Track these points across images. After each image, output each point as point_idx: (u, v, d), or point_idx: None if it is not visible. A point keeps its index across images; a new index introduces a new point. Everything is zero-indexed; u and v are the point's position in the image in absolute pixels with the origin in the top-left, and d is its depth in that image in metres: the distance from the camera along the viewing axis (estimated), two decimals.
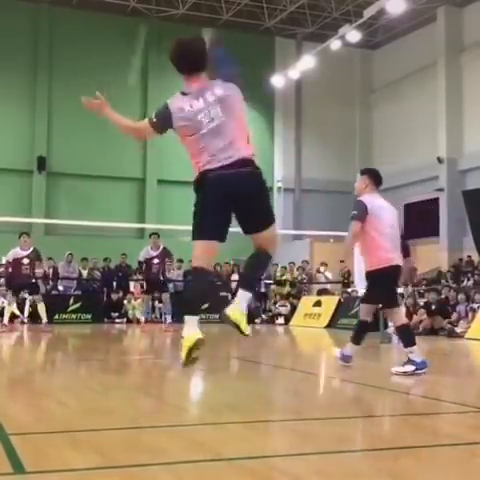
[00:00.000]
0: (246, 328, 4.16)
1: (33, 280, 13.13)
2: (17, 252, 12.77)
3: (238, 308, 4.15)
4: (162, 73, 24.45)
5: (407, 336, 6.19)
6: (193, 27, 24.22)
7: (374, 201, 6.10)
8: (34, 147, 22.93)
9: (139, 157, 24.17)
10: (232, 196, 4.11)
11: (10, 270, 12.91)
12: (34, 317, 16.48)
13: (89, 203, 22.53)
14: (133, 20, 23.90)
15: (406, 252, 6.35)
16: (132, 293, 17.93)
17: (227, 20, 24.19)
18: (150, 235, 14.49)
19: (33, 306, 13.75)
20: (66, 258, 18.11)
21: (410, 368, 5.97)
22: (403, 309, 6.28)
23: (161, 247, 13.96)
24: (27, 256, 12.73)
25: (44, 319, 12.99)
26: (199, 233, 4.19)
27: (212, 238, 4.17)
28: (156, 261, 13.82)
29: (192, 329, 4.09)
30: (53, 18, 23.39)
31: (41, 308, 13.09)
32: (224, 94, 4.27)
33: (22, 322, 16.32)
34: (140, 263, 14.30)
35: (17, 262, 12.69)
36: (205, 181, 4.18)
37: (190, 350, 4.07)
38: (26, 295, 14.21)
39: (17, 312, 16.45)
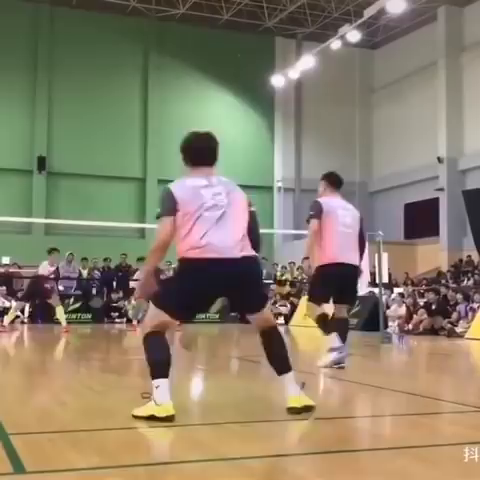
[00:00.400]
0: (309, 400, 3.97)
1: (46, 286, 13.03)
2: (46, 267, 12.77)
3: (301, 394, 3.97)
4: (162, 73, 24.48)
5: (324, 326, 6.39)
6: (193, 27, 24.24)
7: (330, 201, 6.32)
8: (34, 147, 22.94)
9: (139, 157, 24.18)
10: None
11: (31, 281, 13.05)
12: (33, 317, 16.51)
13: (89, 203, 22.52)
14: (133, 20, 23.90)
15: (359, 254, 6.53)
16: (132, 293, 17.93)
17: (227, 20, 24.19)
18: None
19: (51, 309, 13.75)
20: (66, 258, 18.08)
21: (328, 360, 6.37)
22: (327, 307, 6.41)
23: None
24: (52, 272, 12.79)
25: (63, 323, 12.95)
26: None
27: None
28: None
29: (166, 397, 3.83)
30: (53, 18, 23.39)
31: (59, 312, 13.03)
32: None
33: (22, 322, 16.32)
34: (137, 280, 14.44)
35: (43, 277, 12.71)
36: None
37: (152, 417, 3.72)
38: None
39: (18, 312, 16.45)
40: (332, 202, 6.35)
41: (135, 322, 14.59)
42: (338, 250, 6.20)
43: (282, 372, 4.09)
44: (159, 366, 4.00)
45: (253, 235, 4.13)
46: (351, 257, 6.30)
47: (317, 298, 6.44)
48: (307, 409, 3.88)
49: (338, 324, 6.45)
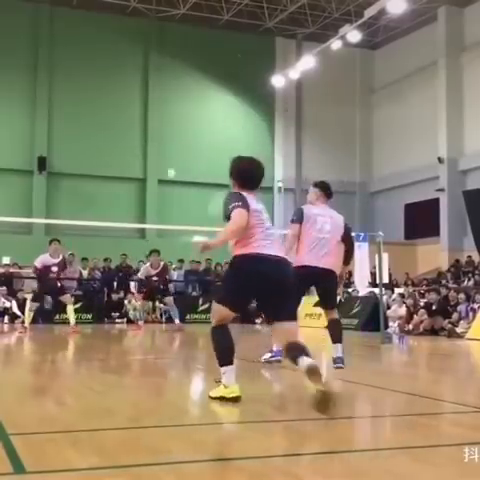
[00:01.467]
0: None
1: (59, 284, 12.71)
2: (46, 259, 12.23)
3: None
4: (163, 73, 24.47)
5: None
6: (194, 27, 24.24)
7: (312, 209, 6.63)
8: (34, 147, 22.93)
9: (140, 157, 24.18)
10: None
11: (36, 276, 12.51)
12: (35, 318, 16.51)
13: (89, 203, 22.52)
14: (134, 20, 23.90)
15: (345, 259, 6.81)
16: (132, 293, 17.93)
17: (227, 20, 24.19)
18: (150, 252, 14.12)
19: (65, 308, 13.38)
20: (67, 258, 18.09)
21: (267, 355, 6.93)
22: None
23: (161, 265, 13.83)
24: (57, 264, 12.24)
25: (72, 321, 12.80)
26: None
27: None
28: (155, 278, 13.77)
29: (232, 380, 4.56)
30: (53, 18, 23.38)
31: (70, 310, 12.79)
32: None
33: (22, 322, 16.31)
34: (141, 280, 14.38)
35: (47, 269, 12.17)
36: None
37: (223, 398, 4.45)
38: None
39: (18, 313, 16.46)
40: (314, 210, 6.65)
41: (141, 323, 14.53)
42: (308, 255, 6.43)
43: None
44: (225, 354, 4.65)
45: None
46: (327, 261, 6.49)
47: None
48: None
49: (328, 326, 6.67)
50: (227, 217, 4.52)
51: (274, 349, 6.86)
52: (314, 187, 6.85)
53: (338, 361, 6.50)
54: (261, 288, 4.45)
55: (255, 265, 4.44)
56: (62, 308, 13.65)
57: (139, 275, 14.55)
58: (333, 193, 6.90)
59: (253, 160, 4.86)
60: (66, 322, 14.17)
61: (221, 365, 4.57)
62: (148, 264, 13.96)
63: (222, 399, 4.39)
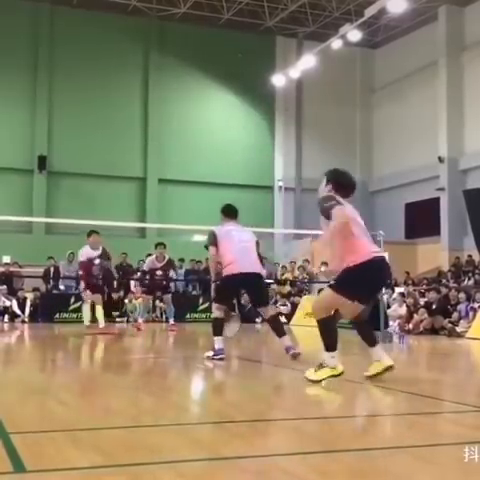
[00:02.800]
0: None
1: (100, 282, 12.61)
2: (88, 251, 11.96)
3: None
4: (163, 72, 24.47)
5: (214, 328, 7.38)
6: (194, 26, 24.24)
7: (222, 228, 7.49)
8: (35, 146, 22.93)
9: (140, 156, 24.18)
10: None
11: (81, 272, 12.22)
12: (34, 316, 16.52)
13: (90, 202, 22.52)
14: (134, 19, 23.90)
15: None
16: (133, 293, 17.92)
17: (228, 19, 24.19)
18: (156, 245, 13.93)
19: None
20: (67, 257, 18.10)
21: (210, 353, 7.30)
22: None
23: (166, 258, 13.68)
24: (98, 256, 12.04)
25: (101, 322, 12.46)
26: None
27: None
28: (160, 272, 13.65)
29: (336, 362, 5.37)
30: (53, 17, 23.37)
31: (99, 311, 12.49)
32: None
33: (23, 321, 16.33)
34: (145, 272, 14.24)
35: (90, 262, 11.92)
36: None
37: (331, 376, 5.30)
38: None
39: (18, 312, 16.47)
40: (223, 228, 7.50)
41: (141, 320, 14.49)
42: (237, 263, 7.22)
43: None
44: (333, 342, 5.38)
45: None
46: (251, 265, 7.33)
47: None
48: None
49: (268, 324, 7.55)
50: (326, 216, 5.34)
51: (216, 347, 7.21)
52: (220, 212, 7.80)
53: (290, 349, 7.20)
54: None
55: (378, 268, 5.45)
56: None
57: (144, 267, 14.43)
58: (237, 212, 7.73)
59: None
60: (66, 321, 14.21)
61: (328, 350, 5.33)
62: (154, 256, 13.83)
63: (329, 377, 5.22)
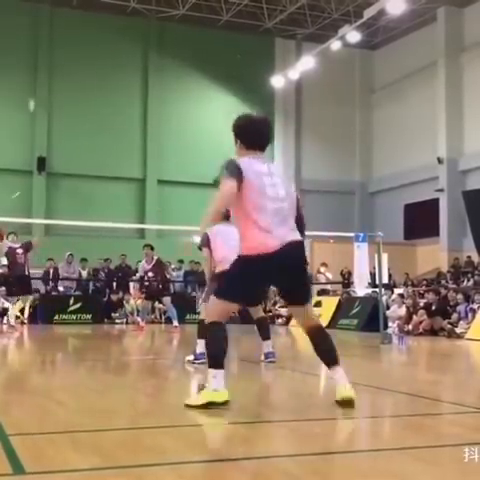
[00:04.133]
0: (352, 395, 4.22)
1: (26, 272, 13.42)
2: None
3: (349, 386, 4.23)
4: (162, 73, 24.47)
5: (201, 330, 6.70)
6: (193, 28, 24.24)
7: (213, 229, 7.07)
8: (34, 147, 22.93)
9: (139, 157, 24.18)
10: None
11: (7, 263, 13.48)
12: (33, 317, 16.50)
13: (89, 203, 22.51)
14: (133, 20, 23.91)
15: None
16: (130, 294, 17.95)
17: (227, 21, 24.20)
18: (143, 247, 14.10)
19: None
20: (66, 258, 18.10)
21: (191, 357, 7.03)
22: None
23: (154, 259, 13.70)
24: (20, 246, 13.19)
25: (12, 319, 13.43)
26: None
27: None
28: (151, 274, 13.69)
29: (221, 384, 4.16)
30: (53, 18, 23.38)
31: (16, 307, 13.85)
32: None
33: (22, 323, 16.30)
34: (141, 277, 14.31)
35: (12, 252, 13.15)
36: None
37: (209, 404, 4.10)
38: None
39: (18, 313, 16.44)
40: (216, 229, 7.13)
41: (142, 323, 14.46)
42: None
43: (334, 364, 4.30)
44: (213, 358, 4.27)
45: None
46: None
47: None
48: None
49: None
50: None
51: (197, 352, 6.93)
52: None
53: (270, 356, 7.08)
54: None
55: None
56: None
57: (138, 273, 14.53)
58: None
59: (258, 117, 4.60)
60: (65, 322, 14.23)
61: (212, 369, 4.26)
62: (144, 260, 13.92)
63: (209, 405, 4.10)
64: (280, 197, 4.34)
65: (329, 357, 4.39)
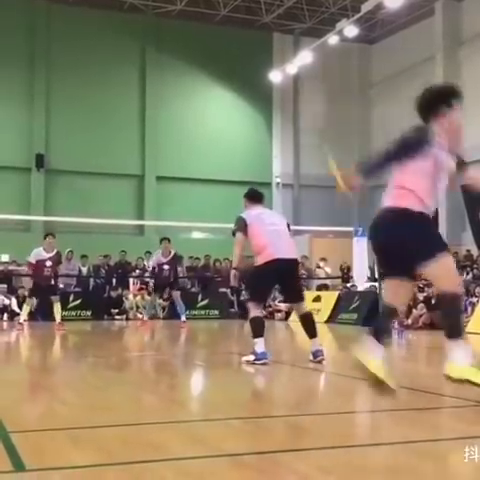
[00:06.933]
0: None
1: (52, 282, 12.85)
2: (40, 253, 12.32)
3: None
4: (160, 69, 24.42)
5: (254, 328, 6.67)
6: (190, 23, 24.19)
7: (250, 212, 7.05)
8: (32, 144, 22.89)
9: (137, 154, 24.14)
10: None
11: (31, 272, 12.55)
12: (33, 315, 16.49)
13: (88, 200, 22.49)
14: (130, 16, 23.85)
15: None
16: (129, 290, 17.96)
17: (224, 16, 24.14)
18: (161, 240, 14.10)
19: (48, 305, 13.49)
20: (66, 255, 18.07)
21: (251, 357, 6.58)
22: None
23: (172, 253, 13.73)
24: (50, 258, 12.33)
25: (58, 319, 12.74)
26: None
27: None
28: (166, 267, 13.67)
29: (465, 359, 3.92)
30: (50, 14, 23.30)
31: (57, 308, 12.80)
32: None
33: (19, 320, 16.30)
34: (153, 268, 14.20)
35: (40, 264, 12.27)
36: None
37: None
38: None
39: (17, 310, 16.44)
40: (252, 212, 7.06)
41: (146, 318, 14.42)
42: (274, 246, 6.70)
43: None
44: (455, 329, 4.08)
45: None
46: (288, 250, 6.82)
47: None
48: None
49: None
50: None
51: (257, 351, 6.54)
52: (243, 197, 7.41)
53: (319, 354, 6.70)
54: None
55: None
56: (49, 305, 13.51)
57: (150, 263, 14.44)
58: (261, 196, 7.38)
59: None
60: (65, 319, 14.23)
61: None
62: (159, 252, 13.86)
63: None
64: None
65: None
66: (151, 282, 16.78)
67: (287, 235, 6.93)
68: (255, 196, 7.33)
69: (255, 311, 6.74)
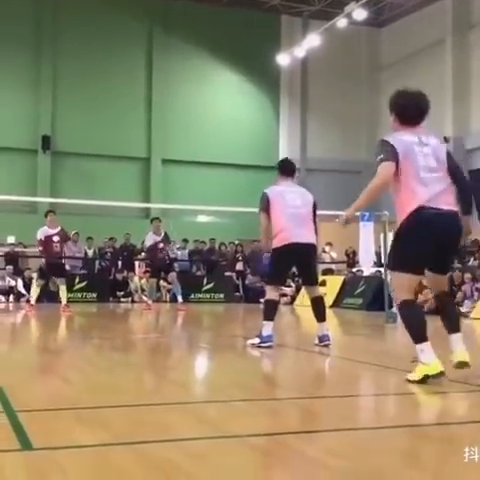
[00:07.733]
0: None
1: (62, 261, 13.04)
2: (46, 231, 12.46)
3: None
4: (167, 51, 24.29)
5: (266, 311, 6.65)
6: (198, 5, 24.01)
7: (275, 189, 6.79)
8: (38, 126, 22.86)
9: (144, 136, 24.09)
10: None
11: (41, 248, 12.54)
12: (40, 297, 16.56)
13: (94, 182, 22.50)
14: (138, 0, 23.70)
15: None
16: (134, 273, 17.99)
17: None
18: (151, 220, 14.40)
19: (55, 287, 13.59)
20: (72, 237, 18.11)
21: (256, 340, 6.54)
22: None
23: (163, 232, 13.93)
24: (57, 234, 12.49)
25: (64, 301, 12.82)
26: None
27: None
28: (161, 245, 13.81)
29: (432, 356, 4.46)
30: None
31: (63, 290, 12.82)
32: None
33: (28, 301, 16.38)
34: (150, 249, 14.21)
35: (48, 240, 12.38)
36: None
37: (427, 377, 4.31)
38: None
39: (23, 291, 16.52)
40: (277, 188, 6.81)
41: (150, 301, 14.45)
42: (290, 231, 6.49)
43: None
44: (415, 334, 4.73)
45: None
46: (305, 235, 6.61)
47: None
48: None
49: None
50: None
51: (263, 334, 6.51)
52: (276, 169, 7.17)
53: (325, 339, 6.64)
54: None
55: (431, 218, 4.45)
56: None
57: (146, 243, 14.52)
58: (294, 170, 7.07)
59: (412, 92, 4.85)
60: (71, 301, 14.25)
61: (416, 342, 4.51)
62: (151, 232, 14.00)
63: (426, 378, 4.30)
64: (433, 168, 4.67)
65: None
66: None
67: (306, 219, 6.67)
68: (285, 168, 6.95)
69: (271, 293, 6.68)
